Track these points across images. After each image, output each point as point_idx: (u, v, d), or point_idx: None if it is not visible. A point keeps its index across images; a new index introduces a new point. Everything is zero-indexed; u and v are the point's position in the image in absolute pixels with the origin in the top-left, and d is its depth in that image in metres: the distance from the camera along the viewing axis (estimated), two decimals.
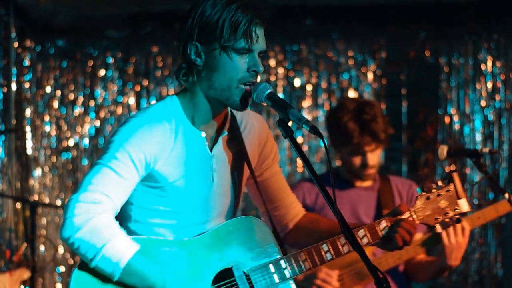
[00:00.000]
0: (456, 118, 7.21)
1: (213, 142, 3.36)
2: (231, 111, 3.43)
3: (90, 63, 7.55)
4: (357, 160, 5.04)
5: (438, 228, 3.48)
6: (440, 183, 3.51)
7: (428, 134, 7.24)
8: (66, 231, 3.11)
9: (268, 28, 7.24)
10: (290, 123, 3.16)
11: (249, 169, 3.47)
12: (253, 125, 3.50)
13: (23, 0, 6.75)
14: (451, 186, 3.50)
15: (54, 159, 7.48)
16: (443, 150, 4.79)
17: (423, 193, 3.49)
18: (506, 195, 4.58)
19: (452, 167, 7.14)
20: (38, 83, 7.49)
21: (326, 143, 3.04)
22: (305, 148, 7.37)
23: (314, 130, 3.04)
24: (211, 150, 3.35)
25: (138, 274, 3.14)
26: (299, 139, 7.34)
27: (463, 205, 3.50)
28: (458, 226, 4.64)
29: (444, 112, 7.24)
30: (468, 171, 7.13)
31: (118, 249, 3.11)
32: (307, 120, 3.07)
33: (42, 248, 7.14)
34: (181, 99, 3.33)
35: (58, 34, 7.48)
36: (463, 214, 3.51)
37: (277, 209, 3.63)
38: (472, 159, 4.73)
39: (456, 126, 7.21)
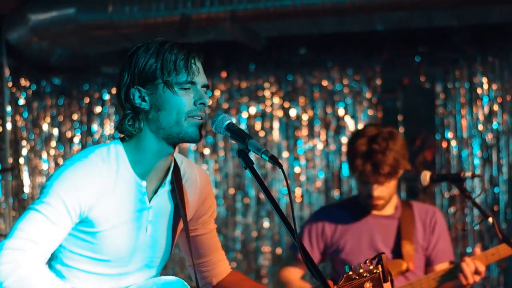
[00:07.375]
0: (454, 143, 7.14)
1: (153, 193, 3.28)
2: (175, 162, 3.35)
3: (86, 100, 7.60)
4: (363, 189, 4.94)
5: None
6: (368, 264, 3.45)
7: (426, 159, 7.17)
8: None
9: (262, 59, 7.27)
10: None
11: (184, 222, 3.38)
12: (195, 179, 3.43)
13: (15, 39, 6.78)
14: (379, 268, 3.43)
15: None
16: (425, 176, 4.74)
17: (349, 273, 3.37)
18: (490, 219, 4.52)
19: (456, 192, 7.07)
20: (35, 122, 7.54)
21: (285, 173, 3.02)
22: (302, 178, 7.33)
23: (273, 160, 3.01)
24: (150, 201, 3.27)
25: None
26: (297, 169, 7.31)
27: None
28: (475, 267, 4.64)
29: (442, 137, 7.17)
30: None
31: None
32: (266, 150, 3.04)
33: None
34: (125, 146, 3.23)
35: (54, 72, 7.54)
36: None
37: (204, 265, 3.57)
38: (455, 183, 4.68)
39: (454, 151, 7.14)
